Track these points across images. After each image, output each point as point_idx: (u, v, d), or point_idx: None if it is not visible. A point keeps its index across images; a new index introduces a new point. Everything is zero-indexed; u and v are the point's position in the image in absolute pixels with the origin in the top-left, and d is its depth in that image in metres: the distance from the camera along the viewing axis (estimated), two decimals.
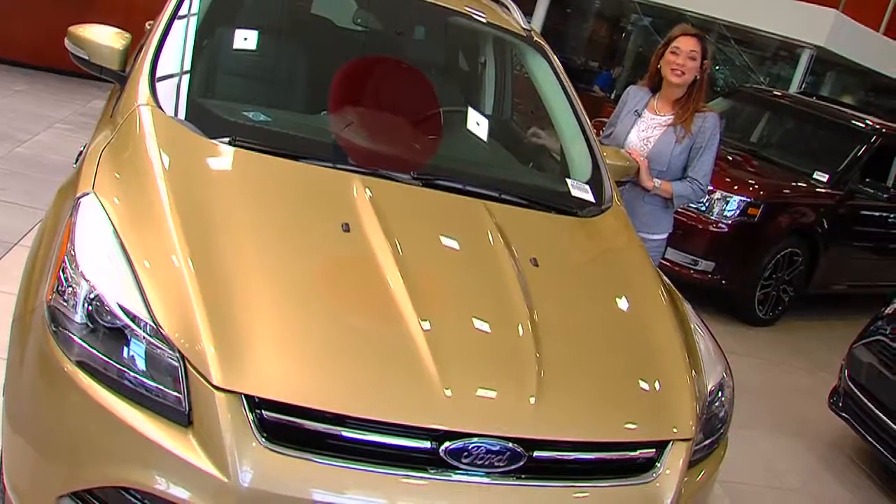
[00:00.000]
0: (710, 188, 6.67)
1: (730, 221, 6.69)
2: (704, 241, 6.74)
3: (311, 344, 2.11)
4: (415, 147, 3.17)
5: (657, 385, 2.44)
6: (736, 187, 6.78)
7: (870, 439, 4.65)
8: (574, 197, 3.21)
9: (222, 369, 1.97)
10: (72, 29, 3.24)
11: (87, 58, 3.18)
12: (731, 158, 7.70)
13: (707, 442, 2.53)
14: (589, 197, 3.25)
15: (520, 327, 2.35)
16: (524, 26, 3.89)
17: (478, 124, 3.67)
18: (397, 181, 2.80)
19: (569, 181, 3.30)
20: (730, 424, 2.73)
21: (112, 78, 3.21)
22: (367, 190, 2.64)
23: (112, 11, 7.53)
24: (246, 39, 3.38)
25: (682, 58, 3.98)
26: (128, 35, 3.26)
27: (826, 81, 17.24)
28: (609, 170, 3.59)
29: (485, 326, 2.34)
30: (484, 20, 3.85)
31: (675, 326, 2.70)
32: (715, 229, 6.71)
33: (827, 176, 7.41)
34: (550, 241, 2.92)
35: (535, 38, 3.90)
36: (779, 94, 9.86)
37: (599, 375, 2.39)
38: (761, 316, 7.09)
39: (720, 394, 2.66)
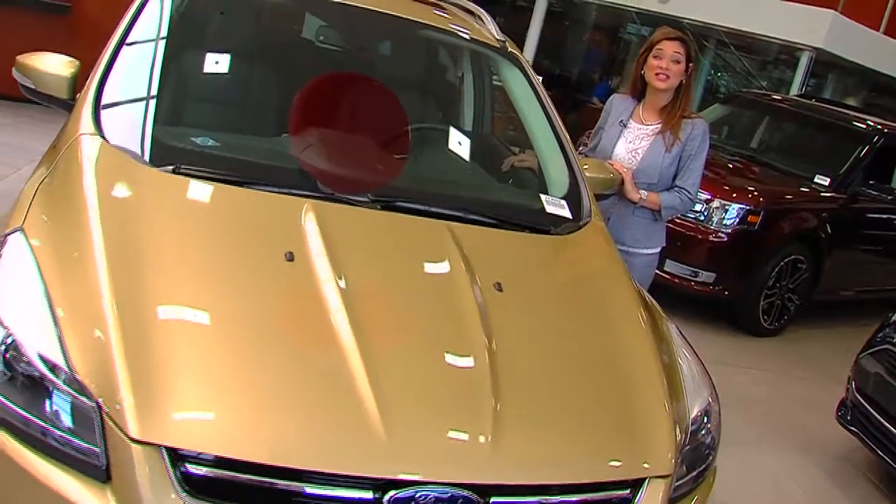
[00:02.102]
0: (708, 196, 6.55)
1: (729, 230, 6.50)
2: (704, 252, 6.56)
3: (240, 389, 1.94)
4: (375, 168, 3.01)
5: (630, 417, 2.26)
6: (735, 195, 6.60)
7: (880, 453, 4.44)
8: (549, 214, 3.04)
9: (139, 420, 1.80)
10: (20, 58, 3.13)
11: (33, 87, 3.05)
12: (731, 166, 7.54)
13: (693, 474, 2.35)
14: (565, 213, 3.08)
15: (475, 359, 2.17)
16: (498, 37, 3.73)
17: (447, 141, 3.50)
18: (353, 204, 2.63)
19: (543, 197, 3.12)
20: (717, 451, 2.53)
21: (61, 107, 3.07)
22: (318, 215, 2.47)
23: (97, 39, 7.41)
24: (198, 62, 3.23)
25: (665, 61, 3.80)
26: (77, 62, 3.12)
27: (828, 84, 17.06)
28: (591, 183, 3.43)
29: (436, 360, 2.16)
30: (455, 32, 3.70)
31: (654, 350, 2.51)
32: (714, 239, 6.52)
33: (829, 179, 7.23)
34: (519, 263, 2.74)
35: (510, 49, 3.74)
36: (778, 97, 9.69)
37: (565, 408, 2.20)
38: (766, 326, 6.88)
39: (706, 420, 2.47)
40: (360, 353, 2.02)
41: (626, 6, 14.31)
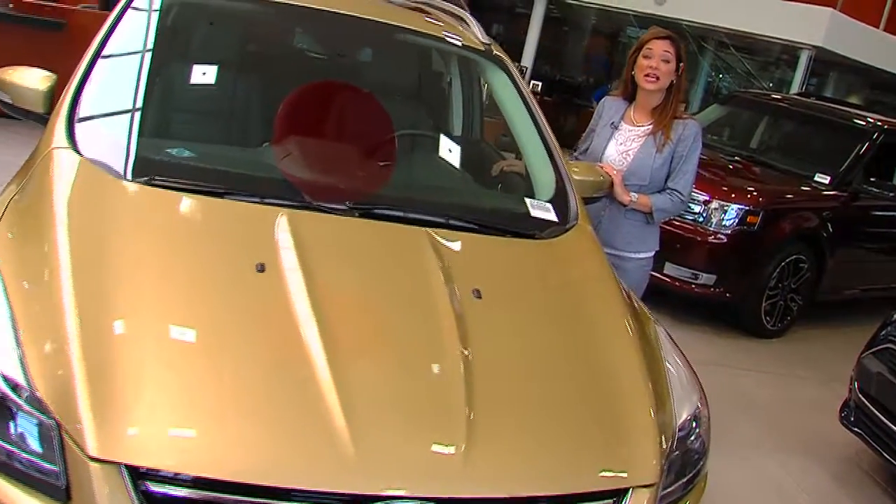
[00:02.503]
0: (707, 198, 6.49)
1: (729, 231, 6.44)
2: (704, 254, 6.50)
3: (204, 403, 1.88)
4: (355, 175, 2.94)
5: (613, 424, 2.18)
6: (733, 195, 6.54)
7: (884, 454, 4.36)
8: (534, 218, 2.97)
9: (98, 437, 1.74)
10: None
11: (10, 101, 3.01)
12: (730, 166, 7.48)
13: (683, 481, 2.27)
14: (551, 216, 3.01)
15: (449, 368, 2.10)
16: (483, 40, 3.67)
17: (431, 146, 3.43)
18: (331, 212, 2.57)
19: (528, 201, 3.06)
20: (708, 456, 2.46)
21: (38, 122, 3.02)
22: (293, 225, 2.41)
23: None
24: (172, 73, 3.17)
25: (654, 61, 3.73)
26: (53, 76, 3.08)
27: (829, 83, 17.00)
28: (581, 185, 3.36)
29: (408, 371, 2.10)
30: (438, 36, 3.64)
31: (638, 356, 2.44)
32: (714, 240, 6.46)
33: (829, 177, 7.15)
34: (499, 269, 2.67)
35: (495, 52, 3.68)
36: (777, 96, 9.62)
37: (543, 418, 2.13)
38: (769, 327, 6.80)
39: (695, 425, 2.39)
40: (329, 367, 1.96)
41: (622, 9, 14.27)
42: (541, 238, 2.86)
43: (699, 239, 6.47)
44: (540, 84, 15.31)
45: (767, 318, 6.75)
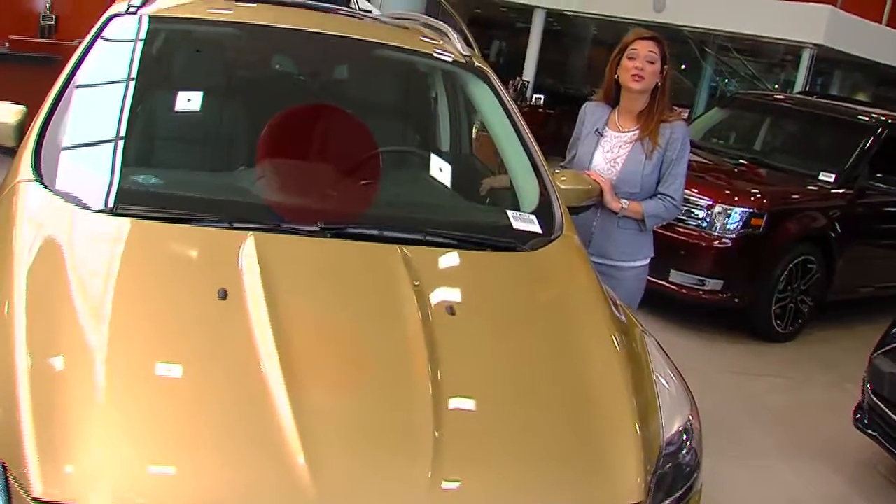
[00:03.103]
0: (710, 202, 6.38)
1: (734, 235, 6.33)
2: (709, 259, 6.39)
3: (156, 440, 1.79)
4: (327, 194, 2.87)
5: (594, 445, 2.07)
6: (736, 198, 6.44)
7: None
8: (516, 230, 2.88)
9: (43, 478, 1.66)
10: None
11: None
12: (734, 169, 7.39)
13: (675, 496, 2.16)
14: (534, 228, 2.92)
15: (416, 392, 2.00)
16: (463, 52, 3.60)
17: (410, 162, 3.35)
18: (301, 234, 2.50)
19: (510, 213, 2.97)
20: (701, 470, 2.35)
21: (9, 155, 2.97)
22: (260, 249, 2.33)
23: None
24: (140, 101, 3.10)
25: (639, 61, 3.64)
26: (23, 109, 3.03)
27: (834, 81, 16.87)
28: (569, 194, 3.28)
29: (372, 399, 2.00)
30: (416, 51, 3.57)
31: (622, 370, 2.33)
32: (719, 245, 6.35)
33: (834, 175, 7.03)
34: (477, 284, 2.58)
35: (477, 64, 3.60)
36: (779, 96, 9.54)
37: (517, 440, 2.02)
38: (780, 331, 6.67)
39: (685, 438, 2.29)
40: (288, 397, 1.87)
41: (621, 18, 14.20)
42: (523, 250, 2.77)
43: (704, 244, 6.37)
44: (542, 97, 15.28)
45: (778, 322, 6.62)
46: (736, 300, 6.45)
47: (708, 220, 6.38)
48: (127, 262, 2.29)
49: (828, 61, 13.95)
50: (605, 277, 3.74)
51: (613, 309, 2.69)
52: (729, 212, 6.34)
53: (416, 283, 2.34)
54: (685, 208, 6.38)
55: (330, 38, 3.38)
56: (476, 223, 3.00)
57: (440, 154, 3.67)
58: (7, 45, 9.34)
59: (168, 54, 3.38)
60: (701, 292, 6.39)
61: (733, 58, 16.95)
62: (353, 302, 2.31)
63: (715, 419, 4.96)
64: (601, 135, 3.80)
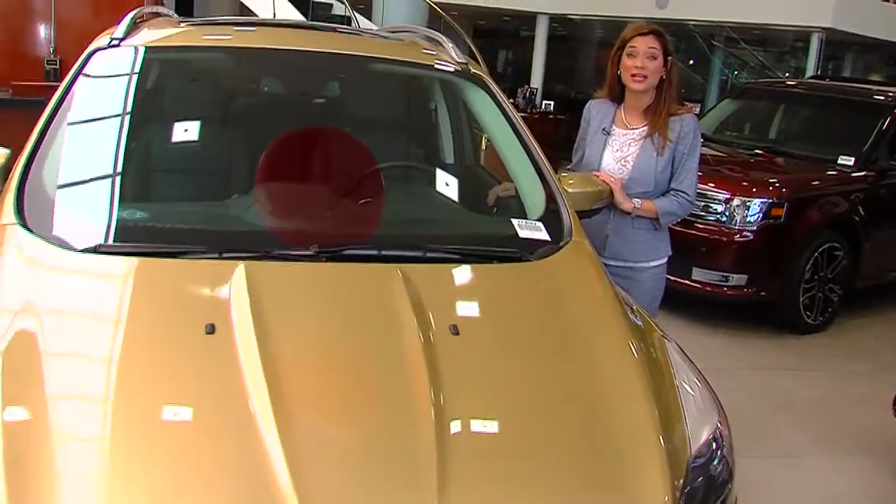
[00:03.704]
0: (728, 195, 6.23)
1: (754, 227, 6.17)
2: (731, 254, 6.23)
3: (140, 482, 1.68)
4: (324, 217, 2.75)
5: (614, 463, 1.93)
6: (754, 190, 6.28)
7: None
8: (522, 239, 2.75)
9: None
10: None
11: None
12: (751, 161, 7.24)
13: None
14: (542, 235, 2.79)
15: (417, 418, 1.87)
16: (458, 59, 3.48)
17: (410, 177, 3.22)
18: (296, 260, 2.39)
19: (515, 222, 2.84)
20: (734, 479, 2.20)
21: None
22: (251, 278, 2.22)
23: None
24: (126, 134, 3.00)
25: (640, 59, 3.50)
26: (7, 152, 2.94)
27: (846, 64, 16.66)
28: (578, 198, 3.14)
29: (368, 425, 1.88)
30: (410, 62, 3.47)
31: (643, 380, 2.18)
32: (740, 239, 6.19)
33: (853, 159, 6.85)
34: (483, 298, 2.45)
35: (473, 71, 3.48)
36: (791, 83, 9.39)
37: (530, 465, 1.88)
38: (811, 322, 6.48)
39: (715, 447, 2.14)
40: (278, 434, 1.74)
41: (623, 17, 14.06)
42: (530, 260, 2.64)
43: (725, 239, 6.21)
44: (552, 104, 15.16)
45: (807, 313, 6.44)
46: (762, 294, 6.28)
47: (727, 214, 6.22)
48: (111, 302, 2.19)
49: (838, 44, 13.76)
50: (623, 280, 3.62)
51: (630, 314, 2.55)
52: (748, 204, 6.18)
53: (417, 303, 2.21)
54: (702, 203, 6.26)
55: (319, 55, 3.30)
56: (480, 235, 2.88)
57: (442, 166, 3.54)
58: (10, 90, 9.34)
59: (153, 86, 3.29)
60: (725, 289, 6.23)
61: (742, 49, 16.81)
62: (348, 327, 2.18)
63: (747, 418, 4.81)
64: (609, 134, 3.66)
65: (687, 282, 6.22)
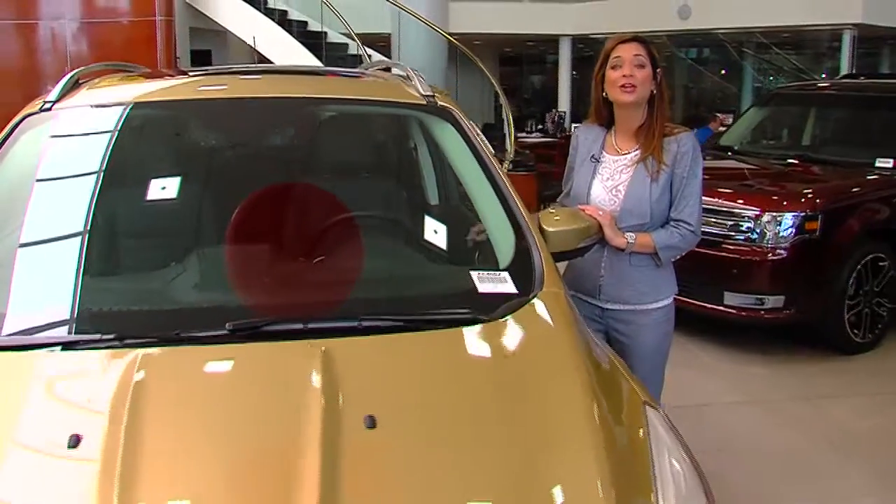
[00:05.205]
0: (756, 212, 5.77)
1: (788, 244, 5.70)
2: (765, 275, 5.78)
3: None
4: (247, 287, 2.40)
5: None
6: (785, 203, 5.83)
7: None
8: (482, 295, 2.38)
9: None
10: None
11: None
12: (782, 171, 6.81)
13: None
14: (506, 288, 2.41)
15: None
16: (424, 93, 3.13)
17: (357, 228, 2.83)
18: (204, 343, 2.06)
19: (475, 274, 2.46)
20: None
21: None
22: (142, 369, 1.91)
23: None
24: (42, 203, 2.69)
25: (627, 68, 3.11)
26: None
27: (884, 59, 16.12)
28: (561, 238, 2.76)
29: None
30: (367, 100, 3.17)
31: (604, 472, 1.78)
32: (774, 257, 5.72)
33: (892, 160, 6.36)
34: (417, 379, 2.05)
35: (440, 104, 3.13)
36: (823, 84, 8.90)
37: None
38: (858, 341, 5.98)
39: None
40: None
41: (648, 31, 13.70)
42: (486, 321, 2.25)
43: (757, 259, 5.76)
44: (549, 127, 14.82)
45: (854, 331, 5.94)
46: (802, 315, 5.81)
47: (757, 231, 5.77)
48: None
49: (873, 40, 13.23)
50: (624, 325, 3.23)
51: (602, 380, 2.14)
52: (779, 219, 5.72)
53: (332, 392, 1.85)
54: (731, 222, 5.83)
55: (264, 101, 3.03)
56: (430, 296, 2.50)
57: (398, 212, 3.14)
58: None
59: (78, 151, 2.96)
60: (762, 312, 5.77)
61: (774, 54, 16.33)
62: (239, 427, 1.82)
63: (793, 456, 4.36)
64: (597, 160, 3.27)
65: (719, 307, 5.80)
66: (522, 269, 2.51)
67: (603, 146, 3.29)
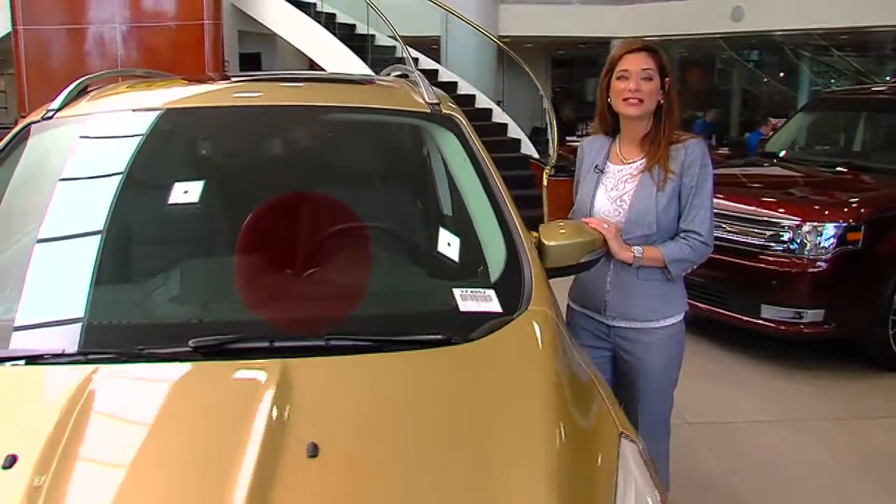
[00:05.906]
0: (797, 221, 5.56)
1: (829, 255, 5.47)
2: (805, 288, 5.56)
3: None
4: (219, 302, 2.35)
5: None
6: (826, 212, 5.60)
7: None
8: (464, 313, 2.27)
9: None
10: None
11: None
12: (830, 180, 6.57)
13: None
14: (491, 307, 2.29)
15: None
16: (429, 101, 3.04)
17: (345, 239, 2.73)
18: (163, 360, 2.01)
19: (458, 292, 2.35)
20: None
21: None
22: (90, 389, 1.86)
23: None
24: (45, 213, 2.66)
25: (633, 82, 2.97)
26: None
27: None
28: (561, 252, 2.64)
29: None
30: (367, 109, 3.10)
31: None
32: (814, 270, 5.50)
33: None
34: (375, 403, 1.94)
35: (445, 112, 3.03)
36: (877, 88, 8.59)
37: None
38: None
39: None
40: None
41: (701, 34, 13.45)
42: (459, 342, 2.13)
43: (796, 271, 5.54)
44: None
45: None
46: (843, 330, 5.58)
47: (797, 242, 5.55)
48: None
49: None
50: (632, 344, 3.08)
51: (578, 406, 2.02)
52: (820, 229, 5.50)
53: (278, 415, 1.76)
54: (770, 233, 5.63)
55: (261, 110, 3.00)
56: (408, 314, 2.38)
57: (390, 223, 3.03)
58: None
59: (76, 165, 2.92)
60: (801, 326, 5.54)
61: (834, 56, 15.91)
62: (169, 456, 1.74)
63: (831, 480, 4.16)
64: (602, 171, 3.13)
65: (756, 321, 5.61)
66: (510, 287, 2.39)
67: (607, 156, 3.16)
